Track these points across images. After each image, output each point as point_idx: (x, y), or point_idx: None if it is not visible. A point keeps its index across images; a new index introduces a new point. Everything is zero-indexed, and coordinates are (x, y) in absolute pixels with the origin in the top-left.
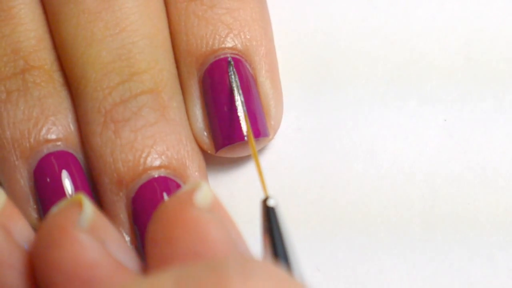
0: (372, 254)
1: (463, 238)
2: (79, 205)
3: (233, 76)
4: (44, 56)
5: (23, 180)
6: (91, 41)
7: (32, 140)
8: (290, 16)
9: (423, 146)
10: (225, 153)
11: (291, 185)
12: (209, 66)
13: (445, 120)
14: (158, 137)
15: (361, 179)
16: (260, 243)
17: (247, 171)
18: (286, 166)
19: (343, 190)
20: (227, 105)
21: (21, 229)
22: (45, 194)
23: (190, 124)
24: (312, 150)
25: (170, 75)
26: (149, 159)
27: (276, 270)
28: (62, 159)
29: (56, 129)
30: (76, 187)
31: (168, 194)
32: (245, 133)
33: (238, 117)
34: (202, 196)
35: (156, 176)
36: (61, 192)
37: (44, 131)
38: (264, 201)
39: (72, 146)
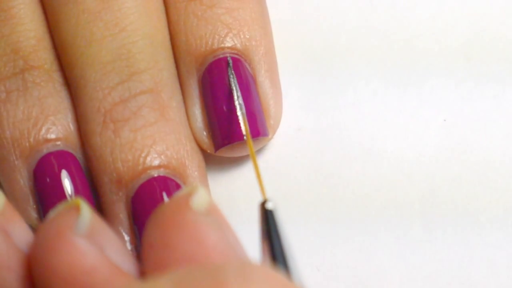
0: (372, 254)
1: (463, 238)
2: (77, 209)
3: (231, 76)
4: (43, 56)
5: (22, 179)
6: (91, 41)
7: (31, 139)
8: (290, 16)
9: (423, 146)
10: (224, 153)
11: (291, 185)
12: (208, 65)
13: (445, 120)
14: (157, 136)
15: (361, 179)
16: (258, 246)
17: (247, 171)
18: (286, 166)
19: (343, 190)
20: (226, 105)
21: (20, 232)
22: (45, 194)
23: (190, 124)
24: (312, 150)
25: (170, 75)
26: (148, 158)
27: (275, 275)
28: (61, 158)
29: (56, 129)
30: (75, 187)
31: (168, 193)
32: (244, 132)
33: (237, 116)
34: (199, 200)
35: (155, 175)
36: (61, 192)
37: (43, 130)
38: (263, 204)
39: (72, 146)
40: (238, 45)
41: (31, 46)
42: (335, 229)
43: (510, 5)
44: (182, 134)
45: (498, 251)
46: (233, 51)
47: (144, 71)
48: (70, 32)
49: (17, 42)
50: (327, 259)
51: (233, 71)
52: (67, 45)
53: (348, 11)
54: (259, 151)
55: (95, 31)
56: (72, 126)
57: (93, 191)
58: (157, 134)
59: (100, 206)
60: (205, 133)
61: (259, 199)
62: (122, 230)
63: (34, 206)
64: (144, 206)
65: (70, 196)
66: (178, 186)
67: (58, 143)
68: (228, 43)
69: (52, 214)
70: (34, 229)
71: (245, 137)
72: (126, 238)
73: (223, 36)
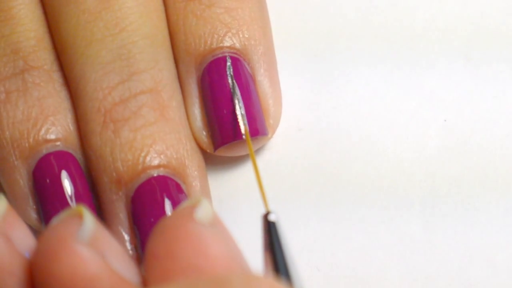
0: (372, 254)
1: (463, 238)
2: (80, 217)
3: (230, 76)
4: (43, 56)
5: (22, 180)
6: (91, 41)
7: (31, 140)
8: (290, 15)
9: (423, 146)
10: (223, 152)
11: (291, 185)
12: (207, 65)
13: (445, 120)
14: (157, 136)
15: (361, 179)
16: (259, 248)
17: (247, 170)
18: (286, 166)
19: (343, 190)
20: (225, 104)
21: (22, 237)
22: (45, 194)
23: (189, 123)
24: (312, 150)
25: (170, 75)
26: (148, 158)
27: (278, 286)
28: (61, 159)
29: (56, 129)
30: (75, 187)
31: (168, 193)
32: (243, 132)
33: (236, 116)
34: (202, 212)
35: (155, 175)
36: (61, 192)
37: (43, 131)
38: (265, 216)
39: (72, 146)
40: (237, 45)
41: (31, 46)
42: (335, 229)
43: (510, 5)
44: (182, 133)
45: (498, 251)
46: (232, 51)
47: (144, 71)
48: (70, 32)
49: (17, 42)
50: (327, 259)
51: (232, 71)
52: (67, 45)
53: (348, 11)
54: (258, 151)
55: (95, 31)
56: (71, 127)
57: (93, 191)
58: (157, 133)
59: (100, 206)
60: (204, 132)
61: (259, 198)
62: (121, 230)
63: (34, 207)
64: (144, 206)
65: (70, 197)
66: (178, 186)
67: (58, 143)
68: (227, 42)
69: (55, 221)
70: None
71: (244, 136)
72: (126, 237)
73: (222, 35)
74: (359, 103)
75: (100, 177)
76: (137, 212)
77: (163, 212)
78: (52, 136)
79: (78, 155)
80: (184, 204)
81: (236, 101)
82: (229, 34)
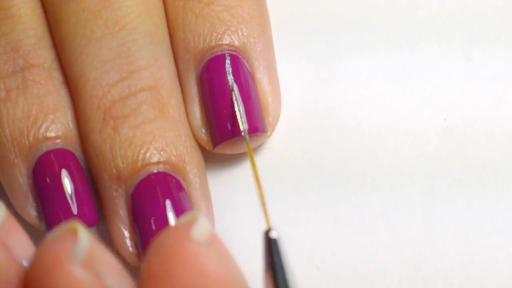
0: (372, 254)
1: (463, 238)
2: (75, 234)
3: (229, 73)
4: (43, 55)
5: (22, 178)
6: (91, 39)
7: (31, 138)
8: (290, 13)
9: (423, 146)
10: (222, 150)
11: (291, 184)
12: (206, 63)
13: (445, 120)
14: (157, 133)
15: (361, 178)
16: (259, 250)
17: (246, 169)
18: (286, 166)
19: (342, 190)
20: (224, 102)
21: (21, 244)
22: (44, 192)
23: (189, 121)
24: (312, 150)
25: (169, 72)
26: (148, 155)
27: None
28: (61, 157)
29: (55, 127)
30: (75, 185)
31: (167, 190)
32: (241, 129)
33: (235, 113)
34: (200, 230)
35: (155, 171)
36: (60, 190)
37: (43, 129)
38: (267, 233)
39: (71, 144)
40: (236, 42)
41: (31, 44)
42: (335, 229)
43: (510, 5)
44: (182, 131)
45: (498, 251)
46: (231, 48)
47: (144, 69)
48: (70, 31)
49: (17, 40)
50: (327, 259)
51: (231, 68)
52: (67, 43)
53: (349, 10)
54: (258, 151)
55: (95, 29)
56: (71, 124)
57: (93, 188)
58: (156, 130)
59: (100, 203)
60: (203, 130)
61: (258, 198)
62: (122, 227)
63: (34, 204)
64: (144, 202)
65: (70, 195)
66: (177, 182)
67: (58, 141)
68: (226, 40)
69: (49, 237)
70: (33, 226)
71: (243, 133)
72: (126, 234)
73: (221, 33)
74: (359, 102)
75: (100, 174)
76: (137, 209)
77: (163, 208)
78: (52, 134)
79: (78, 152)
80: (180, 221)
81: (235, 99)
82: (228, 32)
